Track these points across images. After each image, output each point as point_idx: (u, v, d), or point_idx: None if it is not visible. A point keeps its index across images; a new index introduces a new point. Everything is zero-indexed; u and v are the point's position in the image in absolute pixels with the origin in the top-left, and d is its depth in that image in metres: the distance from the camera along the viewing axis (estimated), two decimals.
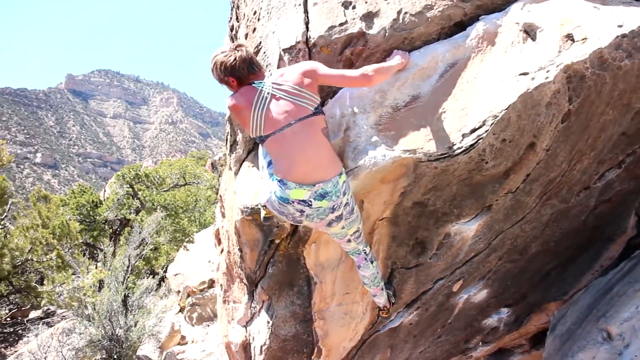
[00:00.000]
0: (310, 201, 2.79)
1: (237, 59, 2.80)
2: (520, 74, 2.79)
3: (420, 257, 3.50)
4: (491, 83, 2.86)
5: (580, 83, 2.79)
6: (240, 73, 2.83)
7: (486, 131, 2.80)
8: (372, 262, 3.35)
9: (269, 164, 3.00)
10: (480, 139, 2.82)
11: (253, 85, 2.84)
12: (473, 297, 4.01)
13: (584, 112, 2.93)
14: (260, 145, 3.09)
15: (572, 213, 3.65)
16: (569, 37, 2.78)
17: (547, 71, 2.73)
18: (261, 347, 4.05)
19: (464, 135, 2.86)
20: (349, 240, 3.12)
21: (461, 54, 2.99)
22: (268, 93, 2.78)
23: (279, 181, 2.79)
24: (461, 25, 3.07)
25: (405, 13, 3.00)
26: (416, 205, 3.21)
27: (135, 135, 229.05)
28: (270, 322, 3.84)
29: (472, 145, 2.84)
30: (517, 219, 3.46)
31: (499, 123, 2.79)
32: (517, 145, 2.93)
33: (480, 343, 4.59)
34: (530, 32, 2.91)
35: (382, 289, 3.54)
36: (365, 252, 3.30)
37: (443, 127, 2.91)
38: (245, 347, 4.40)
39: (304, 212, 2.84)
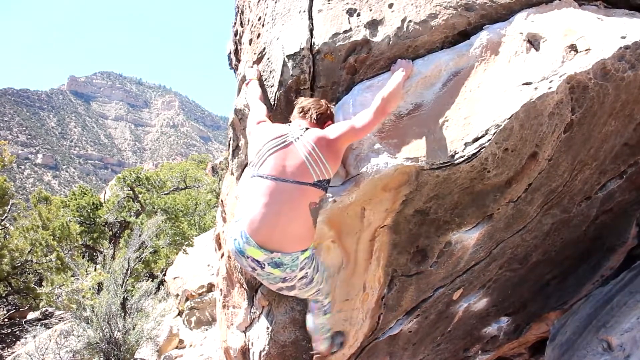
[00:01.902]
0: (264, 264, 2.72)
1: (310, 103, 2.94)
2: (523, 84, 2.80)
3: (420, 265, 3.49)
4: (494, 92, 2.87)
5: (583, 94, 2.79)
6: (311, 114, 2.92)
7: (489, 140, 2.80)
8: (325, 314, 3.37)
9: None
10: (482, 148, 2.82)
11: (288, 125, 2.88)
12: (473, 305, 4.01)
13: (586, 122, 2.94)
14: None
15: (573, 223, 3.65)
16: (573, 48, 2.79)
17: (550, 81, 2.73)
18: (260, 352, 4.04)
19: (466, 144, 2.86)
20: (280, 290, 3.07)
21: (465, 62, 3.00)
22: (294, 138, 2.77)
23: (242, 232, 2.72)
24: (465, 34, 3.08)
25: (410, 21, 3.01)
26: (417, 213, 3.21)
27: (136, 138, 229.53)
28: (270, 328, 3.83)
29: (474, 154, 2.84)
30: (518, 228, 3.46)
31: (502, 132, 2.79)
32: (519, 154, 2.94)
33: (480, 352, 4.58)
34: (533, 42, 2.92)
35: (327, 338, 3.54)
36: (322, 304, 3.31)
37: (446, 135, 2.92)
38: (244, 352, 4.39)
39: (255, 270, 2.78)
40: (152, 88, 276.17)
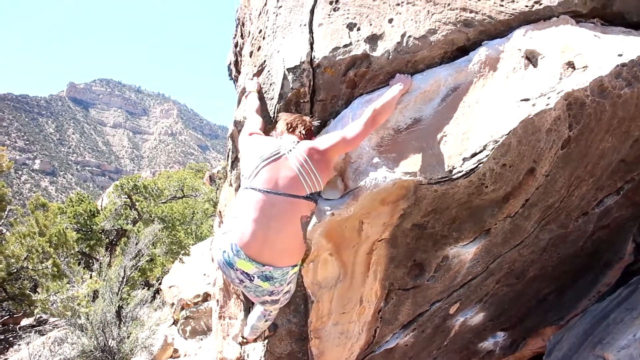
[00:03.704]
0: (253, 277, 2.71)
1: (297, 118, 2.97)
2: (521, 100, 2.81)
3: (418, 278, 3.50)
4: (492, 108, 2.88)
5: (581, 110, 2.81)
6: (298, 129, 2.95)
7: (487, 156, 2.82)
8: (266, 321, 3.45)
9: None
10: (480, 164, 2.83)
11: (279, 138, 2.90)
12: (469, 320, 4.00)
13: (583, 139, 2.95)
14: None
15: (570, 238, 3.66)
16: (570, 65, 2.81)
17: (548, 98, 2.75)
18: None
19: (464, 159, 2.87)
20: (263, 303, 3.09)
21: (463, 78, 3.02)
22: (286, 151, 2.77)
23: (232, 245, 2.69)
24: (464, 50, 3.09)
25: (409, 36, 3.03)
26: (415, 227, 3.22)
27: (134, 145, 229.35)
28: (266, 340, 3.83)
29: (472, 169, 2.85)
30: (515, 243, 3.47)
31: (500, 148, 2.81)
32: (517, 170, 2.95)
33: None
34: (531, 58, 2.93)
35: (256, 334, 3.60)
36: (270, 313, 3.37)
37: (444, 150, 2.93)
38: None
39: (243, 282, 2.76)
40: (151, 96, 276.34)
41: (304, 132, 2.93)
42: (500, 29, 3.06)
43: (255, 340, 3.70)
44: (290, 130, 2.94)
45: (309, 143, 2.84)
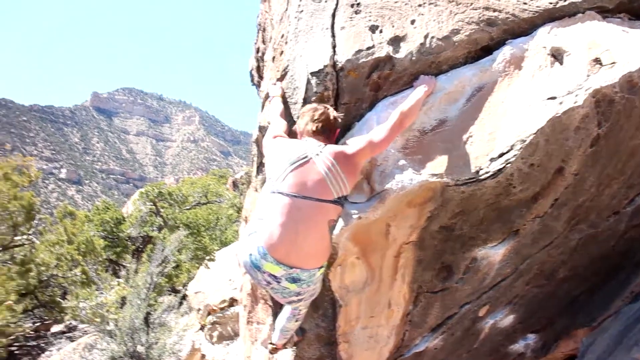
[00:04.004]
0: (281, 279, 2.72)
1: (322, 113, 2.91)
2: (548, 98, 2.77)
3: (446, 281, 3.47)
4: (519, 107, 2.85)
5: (609, 107, 2.76)
6: (314, 127, 2.90)
7: (514, 155, 2.78)
8: (296, 321, 3.43)
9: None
10: (508, 164, 2.80)
11: (305, 141, 2.88)
12: (499, 322, 3.95)
13: (613, 136, 2.89)
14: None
15: (601, 238, 3.59)
16: (597, 61, 2.76)
17: (576, 95, 2.70)
18: None
19: (491, 160, 2.84)
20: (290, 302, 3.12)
21: (488, 77, 2.99)
22: (313, 154, 2.76)
23: (259, 248, 2.69)
24: (488, 50, 3.06)
25: (432, 37, 3.01)
26: (443, 230, 3.19)
27: (157, 153, 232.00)
28: (295, 346, 3.83)
29: (499, 169, 2.82)
30: (545, 244, 3.41)
31: (527, 147, 2.77)
32: (545, 169, 2.91)
33: None
34: (557, 56, 2.89)
35: (286, 337, 3.61)
36: (299, 312, 3.34)
37: (470, 151, 2.90)
38: None
39: (270, 284, 2.77)
40: (172, 103, 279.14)
41: (328, 131, 2.92)
42: (524, 27, 3.02)
43: (284, 346, 3.71)
44: (315, 131, 2.91)
45: (335, 147, 2.85)
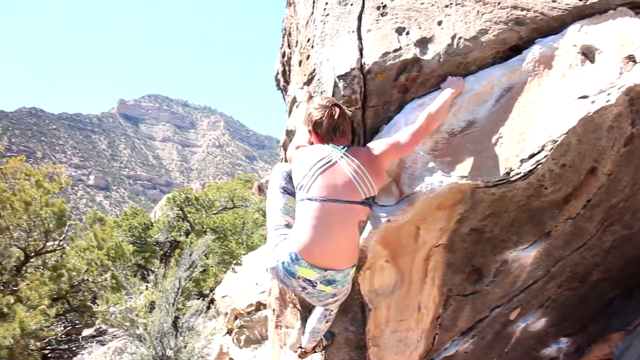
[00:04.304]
0: (316, 283, 2.71)
1: (323, 117, 2.83)
2: (579, 98, 2.73)
3: (476, 284, 3.42)
4: (549, 107, 2.81)
5: None
6: (320, 131, 2.87)
7: (545, 156, 2.74)
8: (327, 322, 3.41)
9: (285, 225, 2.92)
10: (539, 165, 2.76)
11: (328, 145, 2.86)
12: (531, 325, 3.89)
13: None
14: (282, 195, 3.05)
15: (636, 239, 3.51)
16: (630, 59, 2.71)
17: (608, 94, 2.66)
18: None
19: (522, 161, 2.80)
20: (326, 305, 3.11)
21: (517, 78, 2.95)
22: (337, 157, 2.76)
23: (291, 254, 2.67)
24: (517, 49, 3.02)
25: (460, 38, 2.99)
26: (473, 232, 3.16)
27: (183, 158, 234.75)
28: (324, 350, 3.82)
29: (530, 170, 2.78)
30: (577, 246, 3.35)
31: (559, 148, 2.73)
32: (577, 170, 2.86)
33: None
34: (588, 54, 2.84)
35: (316, 340, 3.61)
36: (330, 313, 3.34)
37: (500, 152, 2.87)
38: None
39: (306, 289, 2.77)
40: (197, 109, 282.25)
41: (336, 131, 2.88)
42: (554, 26, 2.98)
43: (313, 349, 3.71)
44: (323, 136, 2.90)
45: (360, 149, 2.85)
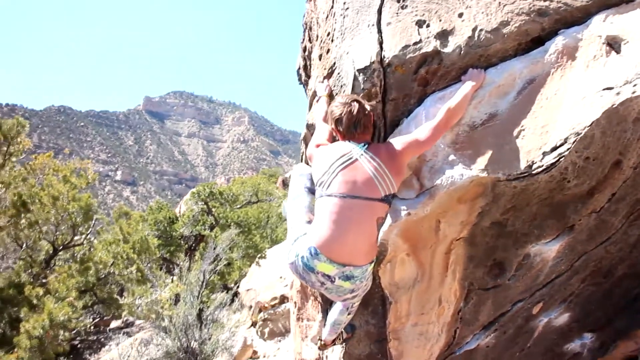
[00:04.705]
0: (334, 278, 2.73)
1: (343, 113, 2.86)
2: (604, 89, 2.67)
3: (498, 278, 3.40)
4: (573, 99, 2.76)
5: None
6: (342, 127, 2.90)
7: (568, 149, 2.70)
8: (349, 314, 3.41)
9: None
10: (562, 157, 2.71)
11: (349, 142, 2.89)
12: (554, 320, 3.85)
13: None
14: (303, 193, 3.11)
15: None
16: None
17: (634, 85, 2.59)
18: None
19: (544, 154, 2.76)
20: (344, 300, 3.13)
21: (540, 69, 2.90)
22: (358, 155, 2.79)
23: (310, 249, 2.70)
24: (539, 41, 2.97)
25: (481, 30, 2.95)
26: (494, 226, 3.13)
27: (208, 154, 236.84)
28: (344, 342, 3.83)
29: (553, 163, 2.74)
30: (602, 240, 3.30)
31: (582, 140, 2.68)
32: (601, 163, 2.81)
33: None
34: (614, 44, 2.78)
35: (336, 332, 3.61)
36: (352, 305, 3.34)
37: (522, 145, 2.83)
38: None
39: (324, 284, 2.79)
40: (222, 105, 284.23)
41: (358, 127, 2.89)
42: (578, 16, 2.92)
43: (333, 342, 3.73)
44: (344, 133, 2.93)
45: (380, 146, 2.87)
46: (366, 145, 2.84)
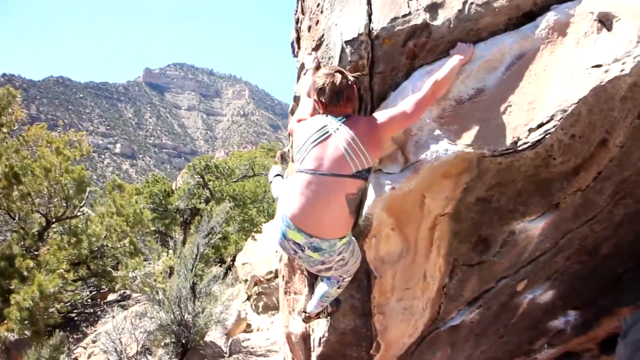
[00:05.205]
0: (304, 247, 2.85)
1: (325, 84, 2.84)
2: (593, 66, 2.64)
3: (483, 254, 3.40)
4: (561, 76, 2.73)
5: None
6: (324, 98, 2.88)
7: (554, 126, 2.68)
8: (339, 288, 3.43)
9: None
10: (547, 134, 2.70)
11: (326, 116, 2.89)
12: (538, 297, 3.87)
13: None
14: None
15: None
16: None
17: (623, 63, 2.57)
18: (320, 339, 4.09)
19: (530, 130, 2.74)
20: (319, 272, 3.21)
21: (529, 45, 2.86)
22: (333, 129, 2.81)
23: (283, 217, 2.88)
24: (530, 16, 2.92)
25: (471, 3, 2.90)
26: (479, 202, 3.13)
27: (208, 127, 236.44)
28: (329, 316, 3.86)
29: (538, 140, 2.72)
30: (587, 219, 3.29)
31: (568, 118, 2.66)
32: (587, 141, 2.79)
33: (546, 345, 4.42)
34: (605, 22, 2.74)
35: (323, 305, 3.64)
36: (342, 280, 3.37)
37: (509, 121, 2.81)
38: (305, 338, 4.46)
39: (297, 253, 2.92)
40: (222, 78, 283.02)
41: (340, 99, 2.87)
42: None
43: (318, 315, 3.75)
44: (325, 103, 2.91)
45: (358, 120, 2.87)
46: (344, 119, 2.85)
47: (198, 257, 10.64)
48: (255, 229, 16.68)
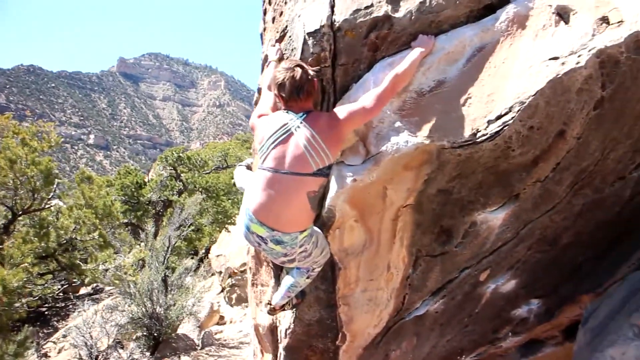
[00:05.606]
0: (267, 240, 2.93)
1: (285, 78, 2.81)
2: (550, 59, 2.68)
3: (445, 245, 3.44)
4: (520, 68, 2.77)
5: (614, 68, 2.67)
6: (284, 93, 2.86)
7: (512, 118, 2.72)
8: (307, 278, 3.44)
9: None
10: (506, 126, 2.73)
11: (287, 113, 2.89)
12: (501, 287, 3.92)
13: (618, 99, 2.80)
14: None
15: (607, 204, 3.50)
16: (604, 20, 2.66)
17: (579, 56, 2.61)
18: (286, 330, 4.09)
19: (489, 122, 2.78)
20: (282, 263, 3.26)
21: (490, 37, 2.89)
22: (294, 127, 2.81)
23: (247, 211, 2.94)
24: (491, 8, 2.94)
25: None
26: (440, 193, 3.15)
27: (183, 118, 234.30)
28: (294, 308, 3.87)
29: (497, 132, 2.76)
30: (547, 209, 3.35)
31: (526, 110, 2.70)
32: (545, 132, 2.83)
33: (510, 334, 4.50)
34: (563, 15, 2.78)
35: (290, 296, 3.63)
36: (311, 270, 3.39)
37: (468, 113, 2.84)
38: (273, 330, 4.46)
39: (261, 245, 2.98)
40: (198, 68, 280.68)
41: (300, 93, 2.85)
42: None
43: (283, 307, 3.75)
44: (285, 99, 2.90)
45: (318, 117, 2.87)
46: (304, 115, 2.85)
47: (170, 249, 10.57)
48: (229, 221, 16.62)
